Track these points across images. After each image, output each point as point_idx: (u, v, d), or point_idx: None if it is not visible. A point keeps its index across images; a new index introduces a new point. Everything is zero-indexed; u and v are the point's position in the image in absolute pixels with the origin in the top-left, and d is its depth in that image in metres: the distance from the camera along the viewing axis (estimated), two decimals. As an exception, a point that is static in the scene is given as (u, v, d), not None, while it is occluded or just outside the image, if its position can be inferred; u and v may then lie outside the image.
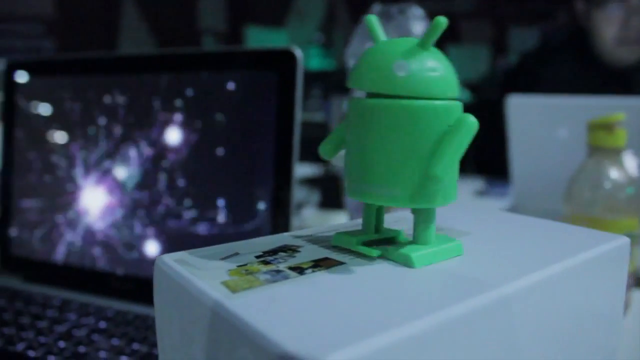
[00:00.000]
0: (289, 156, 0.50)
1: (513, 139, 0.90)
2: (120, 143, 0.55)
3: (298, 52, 0.50)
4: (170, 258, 0.21)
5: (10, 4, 3.61)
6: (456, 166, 0.21)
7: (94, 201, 0.56)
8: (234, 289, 0.18)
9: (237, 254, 0.21)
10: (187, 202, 0.52)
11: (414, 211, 0.22)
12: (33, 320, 0.51)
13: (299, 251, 0.22)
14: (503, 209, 0.95)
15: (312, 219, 0.91)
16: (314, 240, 0.23)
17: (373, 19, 0.22)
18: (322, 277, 0.19)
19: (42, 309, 0.53)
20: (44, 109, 0.60)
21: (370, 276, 0.19)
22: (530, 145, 0.88)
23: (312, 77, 2.85)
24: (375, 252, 0.21)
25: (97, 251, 0.56)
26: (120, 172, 0.55)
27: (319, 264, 0.20)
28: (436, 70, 0.20)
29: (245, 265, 0.20)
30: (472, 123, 0.20)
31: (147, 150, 0.54)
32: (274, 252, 0.21)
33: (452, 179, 0.21)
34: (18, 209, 0.62)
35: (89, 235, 0.57)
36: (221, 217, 0.51)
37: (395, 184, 0.20)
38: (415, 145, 0.20)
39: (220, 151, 0.51)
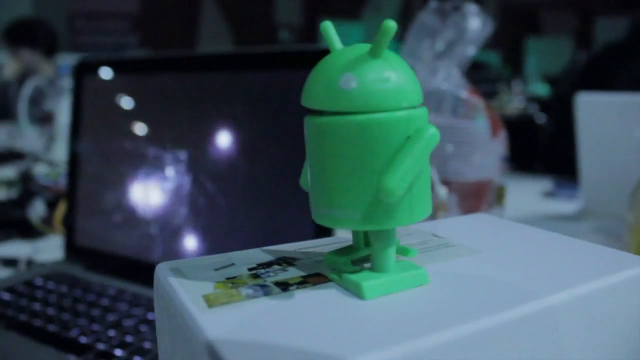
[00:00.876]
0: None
1: (582, 139, 0.86)
2: (176, 141, 0.57)
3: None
4: (167, 266, 0.21)
5: (98, 1, 3.80)
6: (423, 181, 0.20)
7: (152, 197, 0.59)
8: (211, 303, 0.18)
9: (232, 264, 0.22)
10: (238, 201, 0.53)
11: (371, 233, 0.20)
12: (88, 307, 0.54)
13: (294, 265, 0.21)
14: (571, 213, 0.91)
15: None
16: (316, 253, 0.23)
17: (327, 26, 0.20)
18: (301, 295, 0.19)
19: (97, 297, 0.56)
20: (108, 105, 0.63)
21: (331, 302, 0.19)
22: (601, 146, 0.84)
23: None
24: (333, 276, 0.20)
25: (151, 244, 0.59)
26: (177, 170, 0.57)
27: (308, 280, 0.20)
28: (388, 79, 0.19)
29: (235, 277, 0.20)
30: (431, 135, 0.19)
31: (201, 149, 0.56)
32: (268, 264, 0.22)
33: (418, 195, 0.20)
34: (82, 201, 0.65)
35: (146, 229, 0.59)
36: (271, 217, 0.51)
37: (348, 205, 0.19)
38: (367, 163, 0.19)
39: (266, 151, 0.52)
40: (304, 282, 0.20)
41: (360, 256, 0.22)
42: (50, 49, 2.25)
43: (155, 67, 0.60)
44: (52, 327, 0.50)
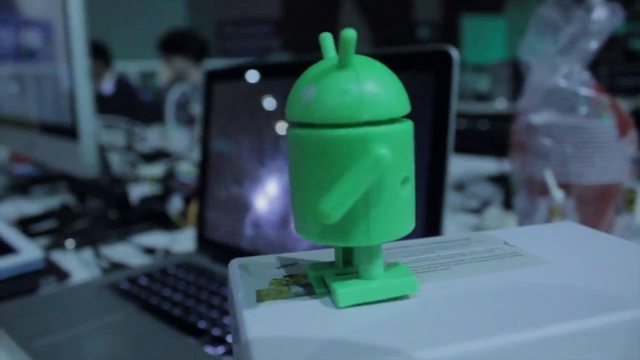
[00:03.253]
0: (443, 159, 0.49)
1: None
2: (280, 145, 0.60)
3: (454, 52, 0.49)
4: (238, 262, 0.23)
5: (243, 8, 4.03)
6: (387, 203, 0.19)
7: (275, 194, 0.62)
8: (260, 299, 0.19)
9: (295, 264, 0.23)
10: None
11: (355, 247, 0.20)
12: (210, 296, 0.58)
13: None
14: None
15: (493, 220, 0.87)
16: (392, 254, 0.24)
17: (325, 37, 0.20)
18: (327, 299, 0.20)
19: (219, 287, 0.60)
20: (234, 108, 0.68)
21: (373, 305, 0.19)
22: None
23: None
24: (318, 289, 0.20)
25: (273, 239, 0.62)
26: (279, 174, 0.60)
27: (357, 281, 0.21)
28: (347, 92, 0.18)
29: (291, 276, 0.22)
30: (375, 159, 0.18)
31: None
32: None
33: (376, 218, 0.19)
34: (211, 198, 0.71)
35: (268, 224, 0.63)
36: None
37: (308, 218, 0.19)
38: (322, 178, 0.18)
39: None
40: (352, 284, 0.20)
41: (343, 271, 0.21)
42: (199, 56, 2.44)
43: (276, 73, 0.63)
44: (176, 311, 0.55)
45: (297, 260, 0.23)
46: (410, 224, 0.20)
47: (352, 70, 0.18)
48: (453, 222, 0.84)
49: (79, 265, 0.73)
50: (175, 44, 2.38)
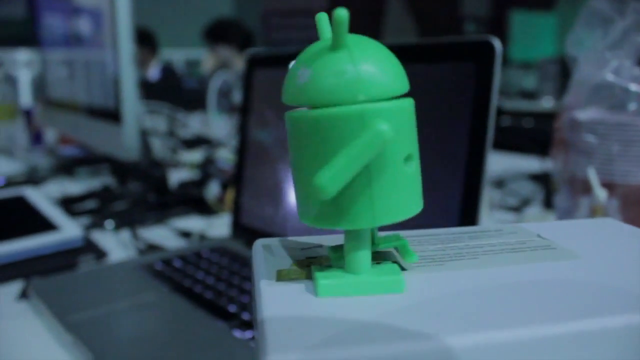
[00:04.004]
0: (481, 152, 0.48)
1: None
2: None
3: (497, 43, 0.48)
4: (262, 243, 0.23)
5: (290, 0, 4.03)
6: (392, 180, 0.18)
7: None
8: (279, 278, 0.19)
9: (320, 246, 0.23)
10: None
11: (345, 232, 0.19)
12: (241, 280, 0.59)
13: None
14: None
15: (533, 219, 0.85)
16: (409, 242, 0.23)
17: (321, 17, 0.20)
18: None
19: (251, 272, 0.61)
20: (272, 95, 0.68)
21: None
22: None
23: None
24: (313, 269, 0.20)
25: (308, 227, 0.62)
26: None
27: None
28: (342, 72, 0.18)
29: (314, 257, 0.21)
30: (376, 132, 0.17)
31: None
32: (352, 249, 0.22)
33: (380, 196, 0.18)
34: (247, 184, 0.71)
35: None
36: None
37: (305, 201, 0.19)
38: (319, 158, 0.18)
39: (429, 142, 0.52)
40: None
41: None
42: (244, 45, 2.46)
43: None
44: (208, 294, 0.56)
45: (322, 242, 0.23)
46: (416, 205, 0.19)
47: (347, 50, 0.18)
48: (491, 218, 0.83)
49: (116, 245, 0.75)
50: (220, 33, 2.41)
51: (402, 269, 0.20)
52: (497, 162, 1.20)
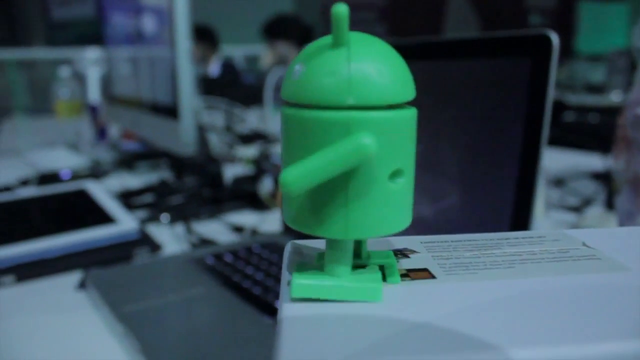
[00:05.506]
0: (536, 151, 0.47)
1: None
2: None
3: (554, 37, 0.46)
4: (293, 244, 0.23)
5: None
6: (370, 197, 0.17)
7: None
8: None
9: (352, 249, 0.22)
10: (428, 191, 0.53)
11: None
12: (289, 277, 0.59)
13: (409, 257, 0.21)
14: None
15: (594, 220, 0.81)
16: (443, 247, 0.22)
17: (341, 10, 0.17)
18: (388, 287, 0.19)
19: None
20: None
21: (412, 298, 0.18)
22: None
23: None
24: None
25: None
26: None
27: (410, 274, 0.20)
28: (333, 72, 0.17)
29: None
30: (355, 145, 0.16)
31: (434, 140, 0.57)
32: (384, 253, 0.22)
33: (356, 211, 0.17)
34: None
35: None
36: (459, 209, 0.51)
37: (288, 202, 0.18)
38: (301, 158, 0.17)
39: (463, 141, 0.51)
40: (405, 275, 0.20)
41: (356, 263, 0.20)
42: (302, 41, 2.47)
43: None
44: (256, 290, 0.56)
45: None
46: (399, 223, 0.18)
47: (345, 49, 0.17)
48: (549, 218, 0.80)
49: (171, 238, 0.77)
50: (279, 29, 2.43)
51: (432, 276, 0.20)
52: (558, 160, 1.15)
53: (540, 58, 0.46)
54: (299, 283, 0.18)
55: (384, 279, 0.19)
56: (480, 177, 0.49)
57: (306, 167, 0.16)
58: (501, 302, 0.17)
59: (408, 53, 0.56)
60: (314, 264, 0.20)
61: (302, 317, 0.17)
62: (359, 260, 0.20)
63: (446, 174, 0.52)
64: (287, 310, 0.18)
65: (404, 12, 4.03)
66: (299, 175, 0.16)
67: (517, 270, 0.20)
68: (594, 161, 1.12)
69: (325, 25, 4.17)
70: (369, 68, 0.17)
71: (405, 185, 0.18)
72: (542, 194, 0.76)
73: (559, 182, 0.96)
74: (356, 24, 4.07)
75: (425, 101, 0.54)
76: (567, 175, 0.99)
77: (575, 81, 3.07)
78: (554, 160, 1.15)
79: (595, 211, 0.83)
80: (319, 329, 0.16)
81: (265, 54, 2.46)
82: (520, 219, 0.46)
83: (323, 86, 0.17)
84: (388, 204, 0.18)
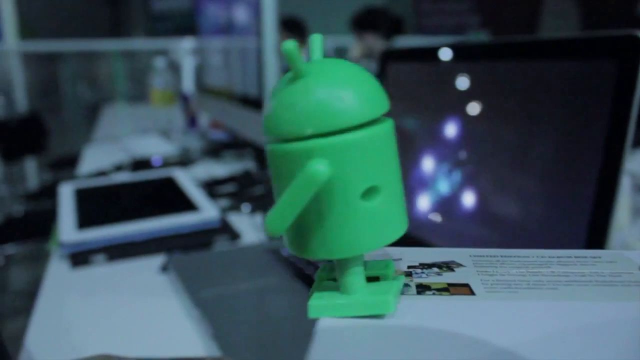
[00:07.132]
0: (618, 159, 0.45)
1: None
2: (447, 129, 0.59)
3: (644, 39, 0.44)
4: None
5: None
6: (343, 217, 0.18)
7: (432, 183, 0.62)
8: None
9: (400, 259, 0.23)
10: (498, 197, 0.52)
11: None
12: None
13: (454, 270, 0.22)
14: None
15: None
16: (491, 262, 0.23)
17: (314, 38, 0.19)
18: (428, 302, 0.19)
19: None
20: (404, 90, 0.68)
21: (452, 313, 0.18)
22: None
23: None
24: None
25: (434, 227, 0.62)
26: (468, 160, 0.59)
27: (450, 288, 0.20)
28: (293, 105, 0.17)
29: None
30: (309, 174, 0.17)
31: (467, 140, 0.56)
32: (430, 265, 0.22)
33: (333, 232, 0.18)
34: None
35: (433, 211, 0.63)
36: (533, 217, 0.49)
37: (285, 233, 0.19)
38: (278, 191, 0.19)
39: (540, 146, 0.49)
40: (444, 290, 0.20)
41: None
42: (391, 33, 2.46)
43: (455, 56, 0.62)
44: (325, 284, 0.58)
45: (402, 256, 0.23)
46: (382, 238, 0.19)
47: (304, 81, 0.18)
48: (636, 226, 0.75)
49: (250, 227, 0.80)
50: (367, 21, 2.42)
51: (471, 292, 0.20)
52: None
53: (628, 60, 0.44)
54: (315, 304, 0.19)
55: (381, 289, 0.20)
56: (555, 187, 0.48)
57: (280, 208, 0.17)
58: (529, 325, 0.18)
59: (488, 53, 0.55)
60: (333, 281, 0.21)
61: (334, 328, 0.18)
62: (373, 271, 0.21)
63: (525, 175, 0.50)
64: (322, 322, 0.19)
65: (498, 4, 3.89)
66: (276, 218, 0.17)
67: (560, 293, 0.20)
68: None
69: (417, 18, 4.11)
70: (326, 95, 0.17)
71: (384, 201, 0.19)
72: (628, 202, 0.72)
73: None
74: (449, 15, 3.98)
75: (505, 102, 0.53)
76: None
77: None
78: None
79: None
80: (347, 342, 0.17)
81: (353, 45, 2.47)
82: (595, 232, 0.45)
83: (285, 119, 0.18)
84: (365, 221, 0.18)
